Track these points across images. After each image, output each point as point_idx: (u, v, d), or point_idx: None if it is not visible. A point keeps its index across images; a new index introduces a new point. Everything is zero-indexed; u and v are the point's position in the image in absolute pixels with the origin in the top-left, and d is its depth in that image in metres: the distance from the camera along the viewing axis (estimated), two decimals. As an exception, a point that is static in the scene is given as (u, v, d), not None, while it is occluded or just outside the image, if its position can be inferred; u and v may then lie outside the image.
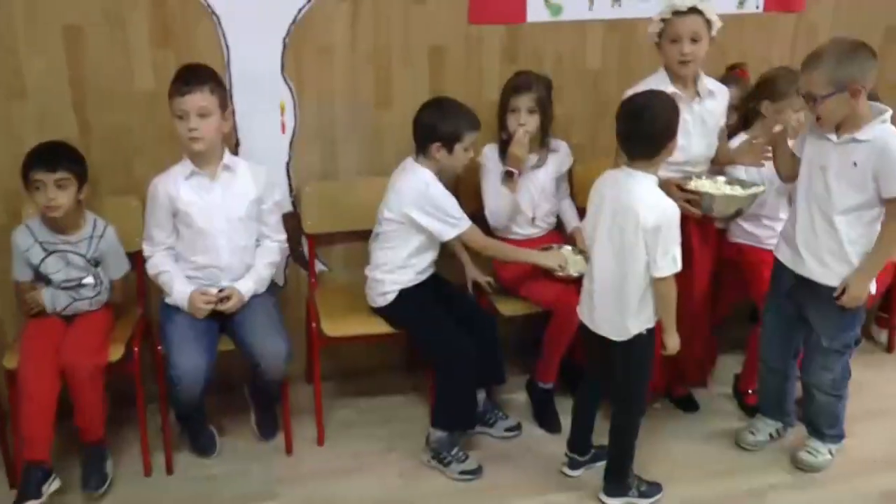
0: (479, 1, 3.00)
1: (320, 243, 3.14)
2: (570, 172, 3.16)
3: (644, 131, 2.31)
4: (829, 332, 2.63)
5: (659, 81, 2.69)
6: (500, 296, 3.00)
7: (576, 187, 3.20)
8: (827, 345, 2.65)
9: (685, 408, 3.09)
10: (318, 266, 3.17)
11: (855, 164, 2.42)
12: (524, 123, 2.85)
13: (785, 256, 2.66)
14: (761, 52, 3.35)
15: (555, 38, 3.13)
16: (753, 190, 2.70)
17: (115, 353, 2.63)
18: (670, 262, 2.30)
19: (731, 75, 3.16)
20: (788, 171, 2.66)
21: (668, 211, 2.31)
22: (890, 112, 2.46)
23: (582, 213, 3.15)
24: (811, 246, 2.54)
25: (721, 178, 2.75)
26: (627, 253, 2.35)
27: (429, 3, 2.98)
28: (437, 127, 2.67)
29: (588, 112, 3.22)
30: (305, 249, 3.13)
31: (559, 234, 3.15)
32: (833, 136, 2.45)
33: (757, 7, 3.30)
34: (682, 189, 2.64)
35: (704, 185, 2.68)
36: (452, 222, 2.69)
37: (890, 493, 2.71)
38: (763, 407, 2.94)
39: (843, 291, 2.50)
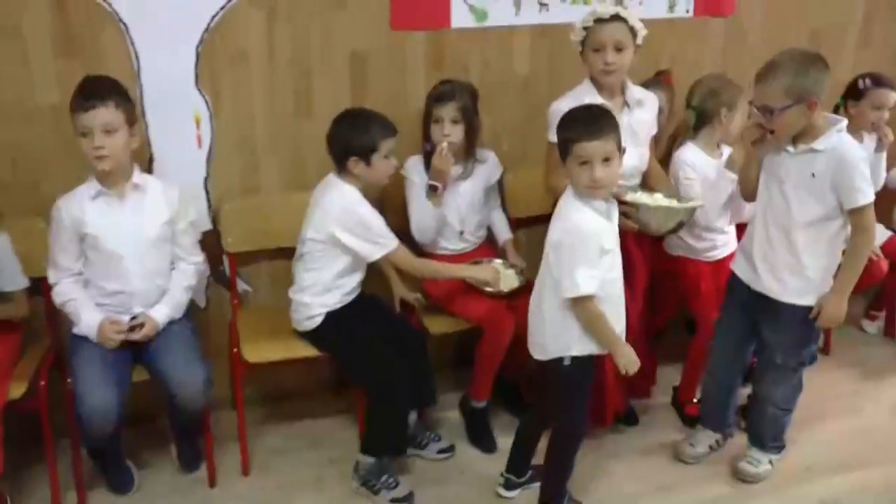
0: (401, 6, 2.88)
1: (242, 263, 2.99)
2: (500, 183, 3.06)
3: None
4: (785, 349, 2.59)
5: (585, 92, 2.61)
6: (430, 313, 2.89)
7: (507, 197, 3.12)
8: (781, 361, 2.60)
9: (626, 422, 3.01)
10: (241, 286, 3.02)
11: (813, 175, 2.37)
12: (448, 134, 2.75)
13: (742, 271, 2.61)
14: (692, 56, 3.32)
15: (481, 45, 3.04)
16: (692, 203, 2.63)
17: (18, 389, 2.45)
18: (573, 284, 2.16)
19: (656, 80, 3.10)
20: (752, 187, 2.58)
21: (579, 227, 2.17)
22: (845, 122, 2.43)
23: (515, 223, 3.11)
24: (769, 261, 2.50)
25: (658, 195, 2.64)
26: (543, 269, 2.26)
27: (349, 8, 2.85)
28: (349, 141, 2.55)
29: (517, 120, 3.13)
30: (227, 269, 2.97)
31: (490, 247, 3.06)
32: (790, 147, 2.40)
33: (687, 11, 3.26)
34: (619, 202, 2.57)
35: (641, 198, 2.59)
36: (380, 242, 2.57)
37: (828, 501, 2.67)
38: (705, 418, 2.89)
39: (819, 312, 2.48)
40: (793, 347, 2.58)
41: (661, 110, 2.88)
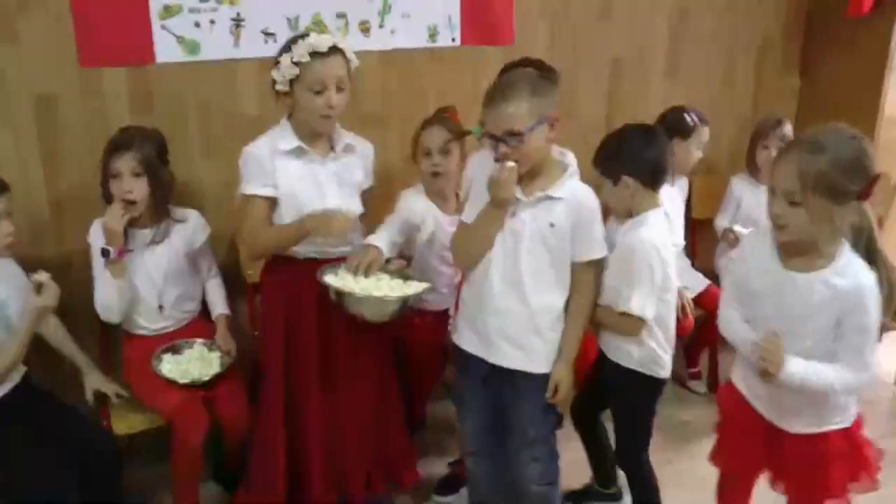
0: (90, 38, 2.42)
1: None
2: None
3: None
4: (536, 420, 2.15)
5: (280, 136, 2.16)
6: (128, 408, 2.35)
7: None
8: (535, 434, 2.16)
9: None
10: None
11: (552, 225, 2.00)
12: (130, 191, 2.27)
13: (472, 345, 2.15)
14: (465, 87, 2.90)
15: (196, 81, 2.59)
16: (412, 290, 2.16)
17: None
18: None
19: (441, 117, 2.65)
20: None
21: None
22: (574, 164, 2.08)
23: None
24: (505, 328, 2.07)
25: (386, 277, 2.18)
26: None
27: (23, 45, 2.38)
28: None
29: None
30: None
31: (206, 323, 2.54)
32: (521, 196, 1.99)
33: (453, 40, 2.85)
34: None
35: (349, 283, 2.10)
36: None
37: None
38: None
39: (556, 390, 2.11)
40: (544, 414, 2.17)
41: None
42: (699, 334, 3.21)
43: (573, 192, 2.01)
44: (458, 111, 2.49)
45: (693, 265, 3.45)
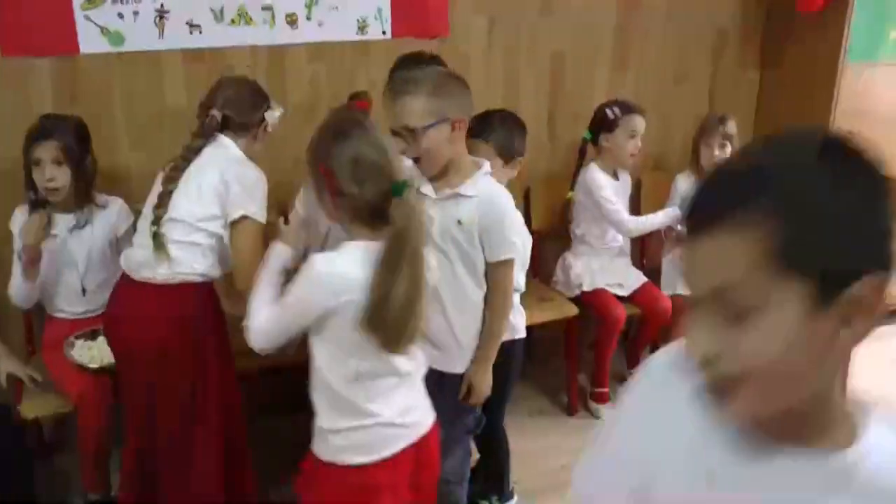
0: (12, 28, 2.46)
1: None
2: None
3: None
4: (448, 420, 2.13)
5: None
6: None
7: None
8: (446, 435, 2.14)
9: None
10: None
11: (459, 222, 1.97)
12: (52, 178, 2.31)
13: None
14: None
15: (122, 73, 2.62)
16: None
17: None
18: None
19: (351, 104, 2.66)
20: None
21: None
22: (488, 164, 2.04)
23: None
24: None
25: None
26: None
27: (-55, 33, 2.43)
28: None
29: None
30: None
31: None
32: (432, 193, 1.99)
33: (384, 33, 2.85)
34: None
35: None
36: None
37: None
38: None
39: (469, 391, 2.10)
40: (456, 415, 2.14)
41: None
42: (639, 332, 3.21)
43: (484, 190, 1.98)
44: (370, 99, 2.47)
45: (642, 263, 3.43)
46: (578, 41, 3.18)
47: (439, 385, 2.04)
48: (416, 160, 1.96)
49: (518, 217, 2.12)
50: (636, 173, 3.35)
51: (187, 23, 2.61)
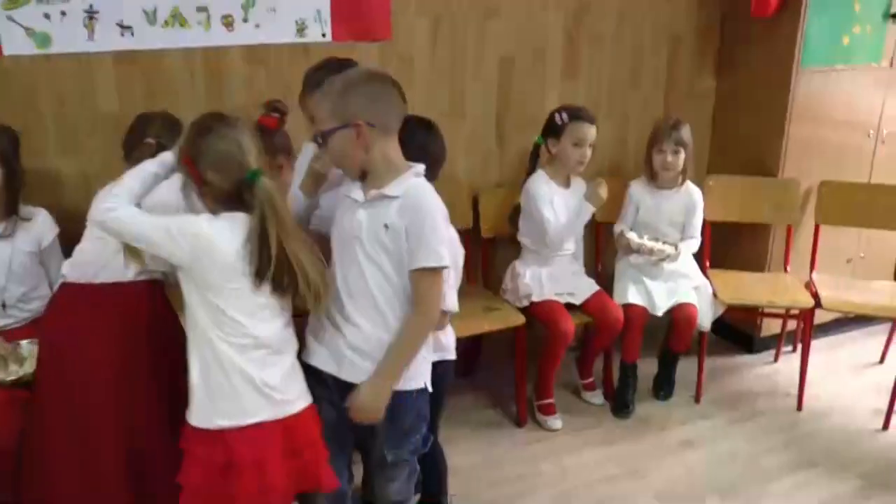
0: (-67, 30, 2.39)
1: None
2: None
3: None
4: (392, 443, 2.01)
5: None
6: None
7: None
8: (394, 459, 2.04)
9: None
10: None
11: (386, 226, 1.86)
12: None
13: (323, 361, 1.96)
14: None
15: (50, 76, 2.54)
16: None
17: None
18: None
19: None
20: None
21: None
22: (422, 166, 1.93)
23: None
24: (355, 340, 1.91)
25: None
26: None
27: None
28: None
29: (105, 164, 2.59)
30: None
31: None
32: (358, 195, 1.90)
33: (324, 35, 2.79)
34: None
35: None
36: None
37: None
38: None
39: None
40: (401, 437, 2.01)
41: None
42: (590, 342, 3.14)
43: (409, 191, 1.86)
44: (284, 108, 2.34)
45: (596, 269, 3.37)
46: (526, 45, 3.13)
47: None
48: None
49: (450, 231, 1.97)
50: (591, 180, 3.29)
51: (118, 24, 2.54)
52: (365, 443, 2.07)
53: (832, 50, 3.28)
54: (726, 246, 3.50)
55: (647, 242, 2.97)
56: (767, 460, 2.82)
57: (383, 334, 1.89)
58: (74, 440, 2.09)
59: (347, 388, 1.91)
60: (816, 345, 3.46)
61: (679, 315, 3.02)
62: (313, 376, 1.95)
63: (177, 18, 2.60)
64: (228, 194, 1.79)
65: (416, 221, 1.85)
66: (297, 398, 1.87)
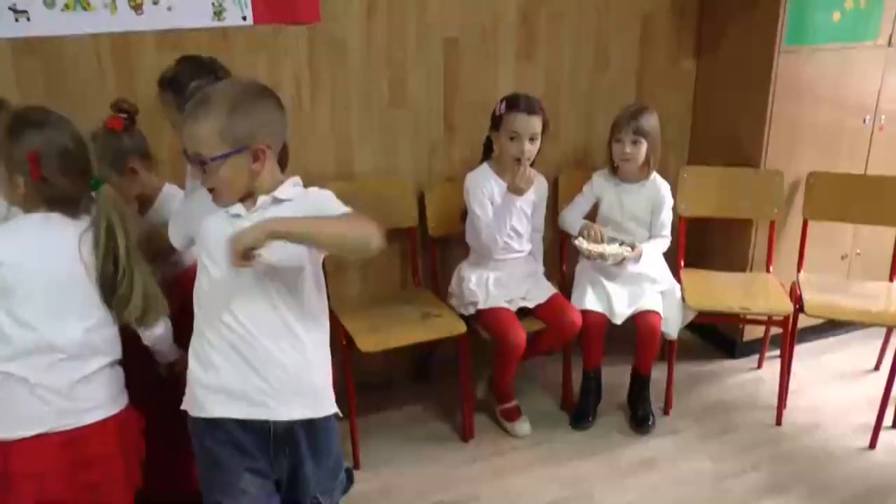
0: None
1: None
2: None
3: None
4: (324, 484, 1.83)
5: None
6: None
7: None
8: (327, 500, 1.85)
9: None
10: None
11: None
12: None
13: (236, 410, 1.72)
14: (260, 73, 2.61)
15: (-61, 65, 2.35)
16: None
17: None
18: None
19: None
20: None
21: None
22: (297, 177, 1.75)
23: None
24: (273, 373, 1.69)
25: None
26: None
27: None
28: None
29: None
30: None
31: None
32: (242, 213, 1.69)
33: (244, 19, 2.56)
34: None
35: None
36: None
37: None
38: None
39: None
40: (332, 475, 1.84)
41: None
42: (538, 339, 2.84)
43: (299, 192, 1.71)
44: (133, 108, 2.14)
45: (560, 269, 3.11)
46: (475, 25, 2.85)
47: (308, 438, 1.75)
48: (212, 190, 1.67)
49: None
50: (554, 172, 3.04)
51: (10, 8, 2.33)
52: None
53: (821, 27, 2.97)
54: (704, 244, 3.22)
55: (595, 248, 2.70)
56: (734, 484, 2.55)
57: (297, 356, 1.71)
58: None
59: (278, 447, 1.73)
60: (804, 349, 3.18)
61: (641, 324, 2.75)
62: (229, 444, 1.72)
63: (78, 1, 2.39)
64: (68, 197, 1.71)
65: (317, 204, 1.68)
66: (93, 407, 1.72)
